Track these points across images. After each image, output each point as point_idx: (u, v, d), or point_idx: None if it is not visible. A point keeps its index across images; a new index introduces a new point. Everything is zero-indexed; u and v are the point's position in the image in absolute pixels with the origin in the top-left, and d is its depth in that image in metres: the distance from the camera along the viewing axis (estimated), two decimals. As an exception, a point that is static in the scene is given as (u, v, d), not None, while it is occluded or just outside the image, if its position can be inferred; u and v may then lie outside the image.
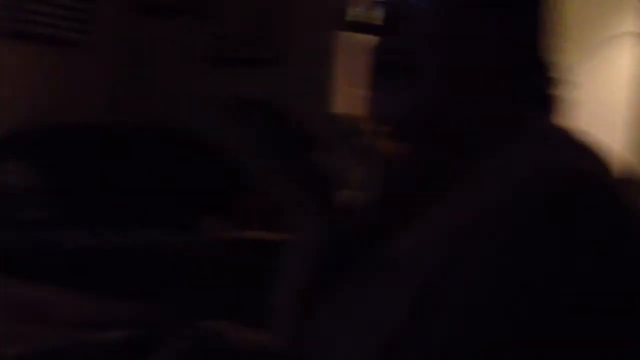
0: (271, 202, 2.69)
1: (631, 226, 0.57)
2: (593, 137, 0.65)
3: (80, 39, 3.61)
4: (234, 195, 3.05)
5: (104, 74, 3.78)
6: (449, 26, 0.66)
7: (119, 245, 2.69)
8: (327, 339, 0.70)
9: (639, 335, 0.54)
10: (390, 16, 0.68)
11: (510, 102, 0.68)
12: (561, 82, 0.71)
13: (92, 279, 2.39)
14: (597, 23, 2.63)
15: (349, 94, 3.11)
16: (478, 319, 0.55)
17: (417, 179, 0.75)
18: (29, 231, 2.66)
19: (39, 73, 3.45)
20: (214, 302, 2.28)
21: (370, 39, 0.70)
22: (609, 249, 0.55)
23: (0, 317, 1.14)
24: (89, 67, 3.70)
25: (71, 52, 3.60)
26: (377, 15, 0.69)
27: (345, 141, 2.70)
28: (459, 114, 0.67)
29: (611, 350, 0.54)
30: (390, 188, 0.79)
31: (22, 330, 1.04)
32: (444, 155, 0.70)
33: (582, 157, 0.62)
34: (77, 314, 1.15)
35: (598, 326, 0.53)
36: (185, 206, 3.07)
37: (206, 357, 0.75)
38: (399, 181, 0.78)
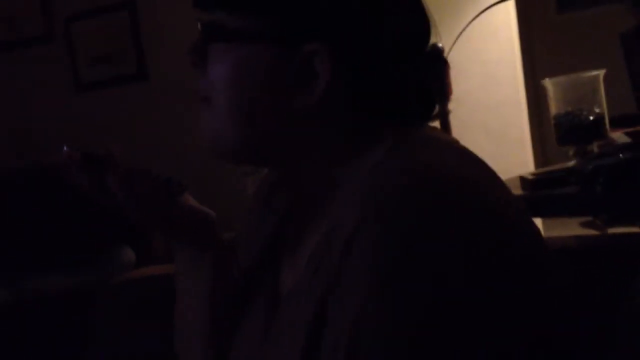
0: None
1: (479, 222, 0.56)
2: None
3: None
4: (135, 230, 2.96)
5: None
6: (235, 68, 0.65)
7: (29, 292, 2.62)
8: None
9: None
10: (194, 50, 0.68)
11: (346, 121, 0.66)
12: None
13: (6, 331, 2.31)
14: None
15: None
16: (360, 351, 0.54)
17: (282, 201, 0.76)
18: None
19: None
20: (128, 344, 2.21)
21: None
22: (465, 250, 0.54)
23: None
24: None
25: None
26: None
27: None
28: (262, 144, 0.67)
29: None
30: (263, 211, 0.79)
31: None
32: (296, 181, 0.70)
33: (447, 160, 0.61)
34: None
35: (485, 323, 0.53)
36: (88, 241, 2.95)
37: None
38: (270, 204, 0.78)
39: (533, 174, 1.66)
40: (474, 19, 2.28)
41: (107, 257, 2.83)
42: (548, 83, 1.64)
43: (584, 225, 1.35)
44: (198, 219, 0.75)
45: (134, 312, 2.40)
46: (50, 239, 3.00)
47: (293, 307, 0.63)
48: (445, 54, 2.32)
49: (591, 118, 1.57)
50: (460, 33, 2.28)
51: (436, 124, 0.73)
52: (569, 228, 1.39)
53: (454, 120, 2.11)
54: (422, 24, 0.68)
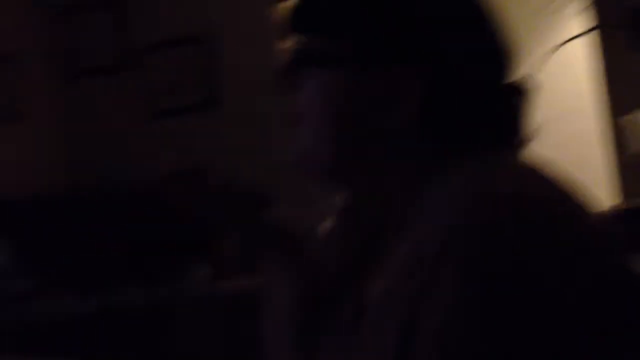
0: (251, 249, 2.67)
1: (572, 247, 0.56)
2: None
3: (13, 111, 3.55)
4: (210, 244, 3.03)
5: (47, 142, 3.73)
6: (328, 89, 0.68)
7: (105, 307, 2.70)
8: None
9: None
10: (287, 72, 0.71)
11: (431, 148, 0.67)
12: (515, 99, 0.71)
13: (83, 344, 2.44)
14: (548, 29, 2.71)
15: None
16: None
17: (365, 221, 0.77)
18: (11, 303, 2.65)
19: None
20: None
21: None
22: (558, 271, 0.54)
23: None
24: (30, 140, 3.66)
25: (8, 127, 3.54)
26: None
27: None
28: (349, 162, 0.69)
29: None
30: (347, 228, 0.80)
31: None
32: (376, 203, 0.71)
33: (520, 182, 0.62)
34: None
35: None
36: (164, 259, 3.05)
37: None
38: (353, 222, 0.80)
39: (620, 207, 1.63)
40: (553, 51, 2.28)
41: (183, 272, 2.90)
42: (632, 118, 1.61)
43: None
44: (285, 232, 0.80)
45: (212, 324, 2.45)
46: (131, 254, 3.10)
47: (382, 316, 0.63)
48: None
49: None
50: (538, 66, 2.27)
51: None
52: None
53: (529, 152, 2.10)
54: (502, 53, 0.70)
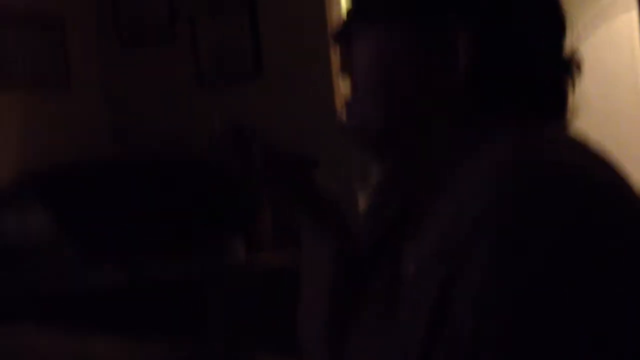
0: (285, 222, 2.70)
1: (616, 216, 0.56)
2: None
3: (64, 79, 3.64)
4: (248, 216, 3.07)
5: (94, 110, 3.83)
6: (379, 51, 0.67)
7: (146, 278, 2.76)
8: None
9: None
10: (337, 36, 0.72)
11: (478, 111, 0.66)
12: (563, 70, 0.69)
13: (122, 314, 2.50)
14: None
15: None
16: (487, 336, 0.54)
17: (406, 190, 0.76)
18: (53, 273, 2.72)
19: (25, 119, 3.47)
20: (244, 331, 2.30)
21: None
22: (599, 243, 0.54)
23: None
24: (77, 106, 3.74)
25: (56, 93, 3.64)
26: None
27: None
28: (401, 126, 0.68)
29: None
30: (386, 200, 0.80)
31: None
32: (418, 167, 0.71)
33: (571, 155, 0.61)
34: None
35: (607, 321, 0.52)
36: (202, 231, 3.10)
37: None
38: (392, 194, 0.80)
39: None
40: (597, 23, 2.23)
41: (218, 245, 2.94)
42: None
43: None
44: (325, 196, 0.79)
45: (247, 298, 2.49)
46: (166, 227, 3.15)
47: (418, 288, 0.63)
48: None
49: None
50: (581, 40, 2.24)
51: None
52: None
53: (571, 128, 2.08)
54: (558, 21, 0.69)
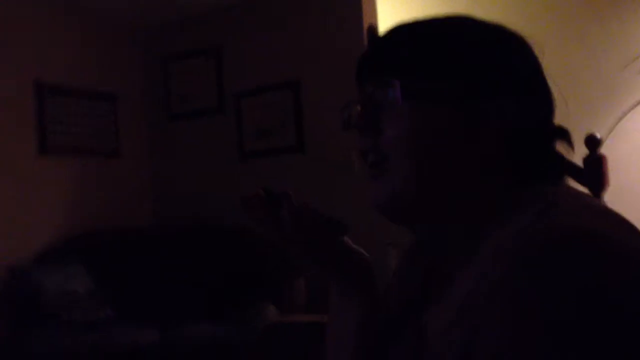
0: (316, 286, 2.71)
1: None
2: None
3: (113, 147, 3.80)
4: (283, 282, 3.09)
5: (141, 179, 3.98)
6: (416, 127, 0.69)
7: (179, 339, 2.78)
8: None
9: None
10: (367, 116, 0.72)
11: (509, 179, 0.69)
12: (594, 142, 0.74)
13: None
14: (638, 80, 2.67)
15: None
16: None
17: (434, 257, 0.78)
18: (84, 331, 2.77)
19: (77, 183, 3.61)
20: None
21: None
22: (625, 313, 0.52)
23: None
24: (125, 174, 3.90)
25: (107, 161, 3.80)
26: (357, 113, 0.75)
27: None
28: (433, 201, 0.70)
29: None
30: (414, 265, 0.82)
31: None
32: (447, 236, 0.72)
33: (591, 219, 0.61)
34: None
35: None
36: (237, 296, 3.14)
37: None
38: (420, 258, 0.81)
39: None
40: (632, 108, 2.26)
41: (252, 313, 2.95)
42: None
43: None
44: (355, 260, 0.80)
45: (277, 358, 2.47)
46: (201, 291, 3.19)
47: (440, 352, 0.64)
48: (602, 144, 2.30)
49: None
50: (616, 123, 2.27)
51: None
52: None
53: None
54: (550, 96, 0.74)
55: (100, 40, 3.82)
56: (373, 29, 3.46)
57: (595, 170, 2.22)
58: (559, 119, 0.74)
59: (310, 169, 3.52)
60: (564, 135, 0.73)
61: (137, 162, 3.97)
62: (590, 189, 2.13)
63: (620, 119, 2.26)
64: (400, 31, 0.74)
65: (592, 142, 2.29)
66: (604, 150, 2.28)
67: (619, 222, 0.62)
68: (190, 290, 3.22)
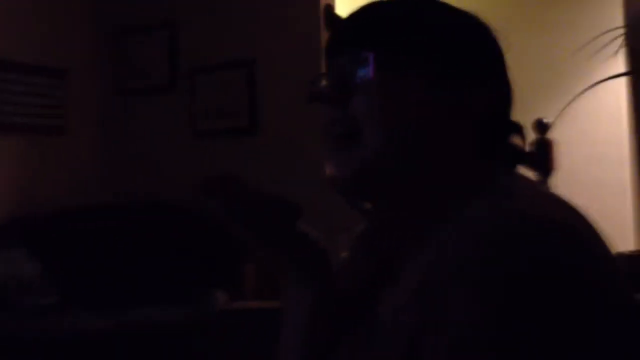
0: (266, 272, 2.71)
1: (594, 267, 0.59)
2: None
3: (60, 125, 3.68)
4: (233, 267, 3.07)
5: (89, 157, 3.87)
6: (391, 98, 0.70)
7: (123, 324, 2.74)
8: None
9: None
10: (338, 87, 0.73)
11: (471, 160, 0.72)
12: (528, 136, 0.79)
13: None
14: (587, 65, 2.74)
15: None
16: None
17: (390, 239, 0.78)
18: (34, 318, 2.71)
19: (22, 163, 3.50)
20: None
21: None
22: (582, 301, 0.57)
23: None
24: (73, 152, 3.79)
25: (53, 139, 3.68)
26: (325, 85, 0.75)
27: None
28: (403, 175, 0.71)
29: None
30: (368, 248, 0.83)
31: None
32: (408, 215, 0.74)
33: (547, 206, 0.65)
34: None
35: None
36: (184, 280, 3.10)
37: None
38: (375, 241, 0.81)
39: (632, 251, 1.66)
40: (580, 93, 2.30)
41: (201, 296, 2.94)
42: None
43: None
44: (311, 245, 0.79)
45: (228, 344, 2.47)
46: (151, 275, 3.14)
47: (391, 334, 0.65)
48: (551, 129, 2.34)
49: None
50: (564, 108, 2.30)
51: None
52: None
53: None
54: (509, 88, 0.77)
55: (50, 11, 3.70)
56: (330, 7, 3.44)
57: (543, 154, 2.28)
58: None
59: (263, 150, 3.48)
60: (518, 129, 0.76)
61: (86, 139, 3.87)
62: (538, 171, 2.19)
63: (569, 103, 2.29)
64: (374, 7, 0.76)
65: (541, 127, 2.34)
66: (552, 134, 2.32)
67: (568, 207, 0.67)
68: (140, 272, 3.17)
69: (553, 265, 0.57)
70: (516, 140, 0.77)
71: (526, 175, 0.75)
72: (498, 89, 0.74)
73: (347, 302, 0.79)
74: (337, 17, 3.40)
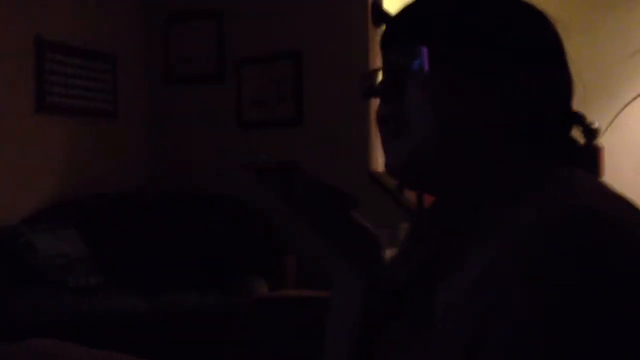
0: (309, 262, 2.72)
1: None
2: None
3: (109, 109, 3.76)
4: (274, 257, 3.09)
5: (137, 141, 3.95)
6: (443, 89, 0.69)
7: (162, 308, 2.79)
8: None
9: None
10: (387, 83, 0.73)
11: (526, 154, 0.70)
12: (592, 132, 0.74)
13: (143, 341, 2.55)
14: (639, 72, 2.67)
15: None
16: None
17: (445, 230, 0.78)
18: (82, 298, 2.77)
19: (72, 144, 3.58)
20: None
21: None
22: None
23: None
24: (121, 136, 3.87)
25: (104, 123, 3.76)
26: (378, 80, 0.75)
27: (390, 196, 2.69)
28: (455, 164, 0.70)
29: None
30: (422, 239, 0.82)
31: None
32: (464, 206, 0.73)
33: (608, 204, 0.62)
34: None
35: None
36: (223, 267, 3.14)
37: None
38: (430, 231, 0.81)
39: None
40: (631, 101, 2.27)
41: (241, 285, 2.96)
42: None
43: None
44: (365, 236, 0.78)
45: (265, 332, 2.49)
46: (191, 261, 3.20)
47: (446, 333, 0.64)
48: (599, 136, 2.31)
49: None
50: (616, 116, 2.27)
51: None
52: None
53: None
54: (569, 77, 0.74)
55: (102, -1, 3.78)
56: (378, 2, 3.43)
57: (590, 160, 2.24)
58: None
59: (308, 141, 3.50)
60: (580, 120, 0.73)
61: (134, 124, 3.95)
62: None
63: (621, 110, 2.25)
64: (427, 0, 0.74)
65: (589, 133, 2.30)
66: (601, 141, 2.29)
67: (630, 206, 0.64)
68: (181, 258, 3.22)
69: (630, 273, 0.55)
70: (578, 131, 0.74)
71: (588, 173, 0.72)
72: (555, 78, 0.72)
73: (398, 293, 0.78)
74: (385, 12, 3.40)
